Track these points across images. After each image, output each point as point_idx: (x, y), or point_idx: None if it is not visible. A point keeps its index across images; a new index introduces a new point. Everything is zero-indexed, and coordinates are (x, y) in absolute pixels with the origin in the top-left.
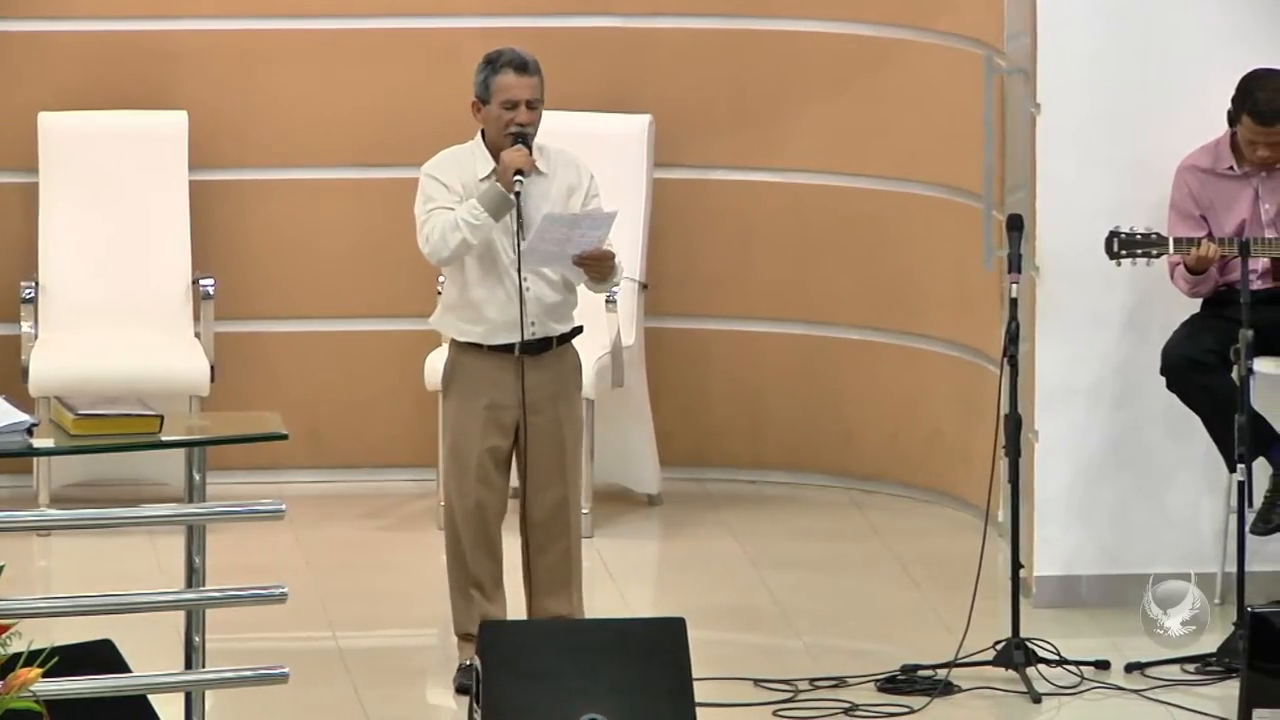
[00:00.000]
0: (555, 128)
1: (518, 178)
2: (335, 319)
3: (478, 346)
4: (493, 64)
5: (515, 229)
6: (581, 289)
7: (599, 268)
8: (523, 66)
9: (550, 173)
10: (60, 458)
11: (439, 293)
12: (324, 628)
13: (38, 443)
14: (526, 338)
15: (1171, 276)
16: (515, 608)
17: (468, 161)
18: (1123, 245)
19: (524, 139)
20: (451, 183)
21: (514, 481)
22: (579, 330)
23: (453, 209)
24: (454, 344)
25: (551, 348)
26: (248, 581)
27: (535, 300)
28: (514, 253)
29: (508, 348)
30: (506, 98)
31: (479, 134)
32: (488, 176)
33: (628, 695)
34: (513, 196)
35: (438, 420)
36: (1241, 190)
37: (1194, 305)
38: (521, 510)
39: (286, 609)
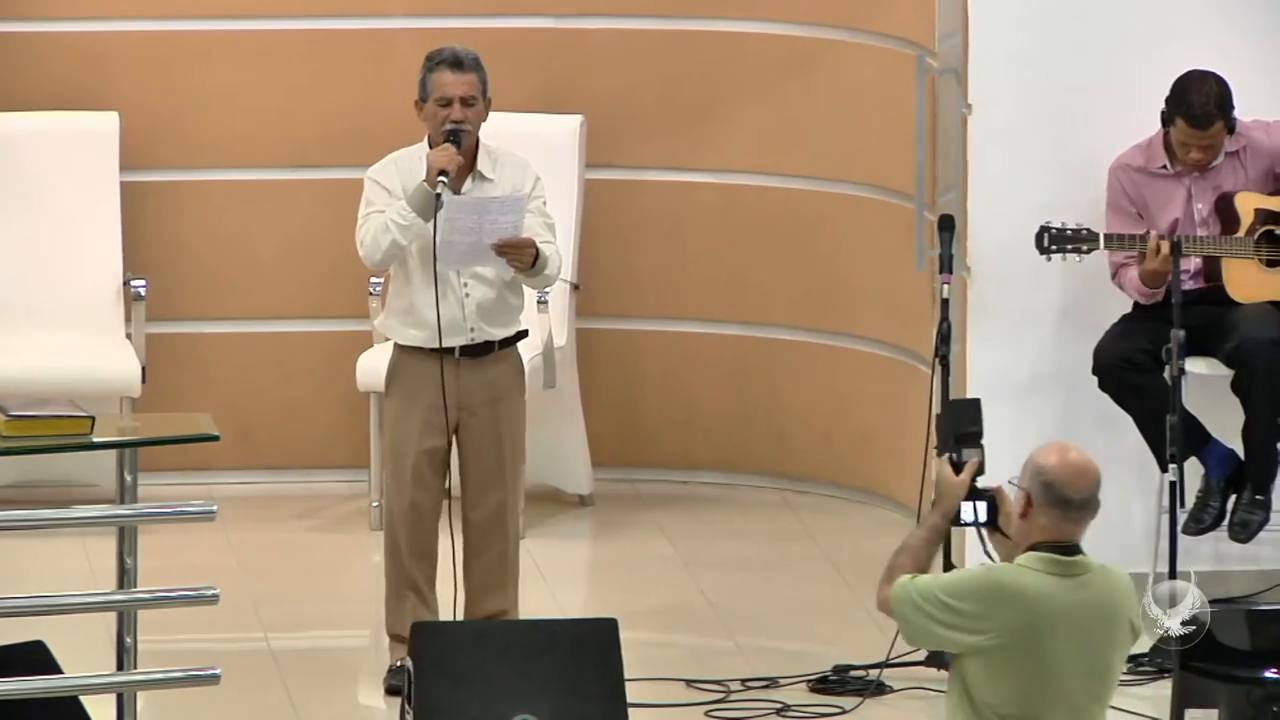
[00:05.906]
0: (487, 128)
1: (441, 177)
2: (267, 320)
3: (419, 349)
4: (430, 61)
5: (433, 231)
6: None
7: (519, 256)
8: (458, 63)
9: (496, 177)
10: None
11: (371, 294)
12: (255, 629)
13: None
14: (466, 341)
15: (1122, 285)
16: (447, 607)
17: (411, 164)
18: (1053, 240)
19: (457, 137)
20: (392, 186)
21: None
22: (524, 334)
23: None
24: (397, 346)
25: (492, 351)
26: (179, 583)
27: (475, 305)
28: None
29: (448, 350)
30: (441, 94)
31: (427, 135)
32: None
33: (560, 696)
34: (435, 195)
35: (369, 421)
36: (1174, 190)
37: (1126, 305)
38: (462, 512)
39: (218, 610)
